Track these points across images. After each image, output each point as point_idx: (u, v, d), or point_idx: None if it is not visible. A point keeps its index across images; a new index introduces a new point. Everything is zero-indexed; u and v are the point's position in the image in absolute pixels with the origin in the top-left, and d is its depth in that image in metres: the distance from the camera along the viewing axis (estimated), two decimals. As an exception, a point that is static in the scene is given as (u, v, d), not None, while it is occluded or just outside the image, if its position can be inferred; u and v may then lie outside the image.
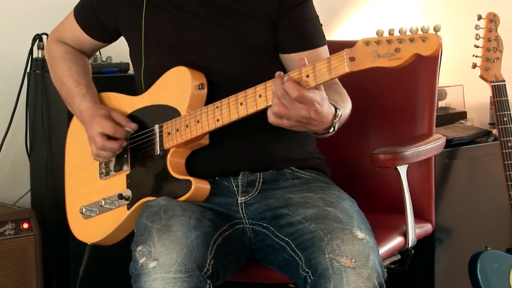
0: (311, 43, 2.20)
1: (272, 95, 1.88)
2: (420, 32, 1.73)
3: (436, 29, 1.71)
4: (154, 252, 1.90)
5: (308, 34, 2.21)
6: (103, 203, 2.27)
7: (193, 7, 2.20)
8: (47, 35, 3.10)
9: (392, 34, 1.75)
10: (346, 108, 2.07)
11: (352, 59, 1.80)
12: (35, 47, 3.15)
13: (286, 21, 2.19)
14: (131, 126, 2.23)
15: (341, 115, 1.96)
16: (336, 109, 1.94)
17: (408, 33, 1.74)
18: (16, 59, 3.19)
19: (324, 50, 2.21)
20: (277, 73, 1.88)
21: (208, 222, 2.04)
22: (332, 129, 1.95)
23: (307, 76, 1.86)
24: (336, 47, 2.19)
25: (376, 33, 1.77)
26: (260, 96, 1.95)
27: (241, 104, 1.99)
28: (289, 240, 2.04)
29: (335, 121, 1.94)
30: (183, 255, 1.89)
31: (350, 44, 1.81)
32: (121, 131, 2.22)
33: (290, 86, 1.84)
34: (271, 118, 1.89)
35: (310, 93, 1.84)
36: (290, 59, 2.18)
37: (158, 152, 2.18)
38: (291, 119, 1.87)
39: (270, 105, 1.90)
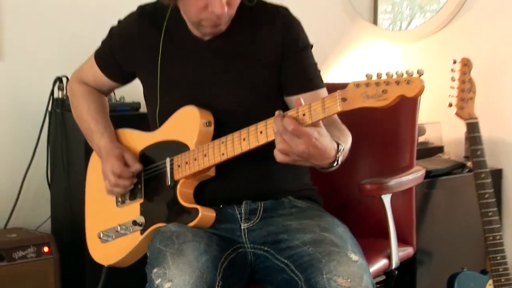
0: (312, 86, 2.21)
1: (275, 134, 1.89)
2: (405, 75, 1.74)
3: (420, 73, 1.73)
4: (169, 274, 1.90)
5: (309, 77, 2.22)
6: (119, 228, 2.28)
7: (204, 55, 2.21)
8: (66, 77, 3.14)
9: (380, 77, 1.77)
10: (347, 142, 2.08)
11: (344, 99, 1.80)
12: (55, 88, 3.18)
13: (288, 66, 2.21)
14: (136, 167, 2.25)
15: (343, 149, 1.97)
16: (338, 144, 1.95)
17: (394, 76, 1.74)
18: (39, 99, 3.22)
19: (323, 91, 2.22)
20: (277, 112, 1.89)
21: (216, 247, 2.04)
22: (336, 163, 1.96)
23: (304, 114, 1.87)
24: (328, 88, 2.22)
25: (366, 76, 1.78)
26: (261, 132, 1.96)
27: (244, 139, 2.00)
28: (288, 262, 2.04)
29: (338, 155, 1.95)
30: (195, 277, 1.89)
31: (341, 86, 1.83)
32: (127, 172, 2.24)
33: (287, 121, 1.85)
34: (278, 156, 1.89)
35: (306, 128, 1.84)
36: (293, 101, 2.15)
37: (169, 182, 2.18)
38: (293, 155, 1.87)
39: (270, 140, 1.91)
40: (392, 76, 1.75)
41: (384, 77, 1.76)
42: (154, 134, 2.28)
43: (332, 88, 2.21)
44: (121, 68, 2.38)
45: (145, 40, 2.28)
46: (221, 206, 2.19)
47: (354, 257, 1.94)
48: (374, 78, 1.78)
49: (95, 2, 3.44)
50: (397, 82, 1.74)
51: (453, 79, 2.87)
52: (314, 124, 1.87)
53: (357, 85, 1.79)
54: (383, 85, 1.75)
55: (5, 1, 3.20)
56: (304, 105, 1.88)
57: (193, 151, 2.12)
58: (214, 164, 2.08)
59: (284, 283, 2.04)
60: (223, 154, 2.05)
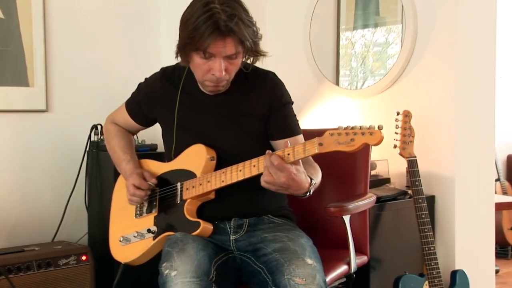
0: (291, 133, 2.21)
1: (264, 168, 1.93)
2: (368, 128, 1.79)
3: (380, 128, 1.79)
4: (174, 265, 1.94)
5: (289, 127, 2.22)
6: (136, 234, 2.27)
7: (210, 107, 2.23)
8: (100, 125, 3.15)
9: (349, 129, 1.82)
10: (318, 177, 2.11)
11: (320, 144, 1.85)
12: (92, 133, 3.19)
13: (274, 118, 2.21)
14: (152, 181, 2.26)
15: (315, 183, 2.02)
16: (311, 179, 1.99)
17: (360, 128, 1.80)
18: (79, 142, 3.23)
19: (300, 137, 2.23)
20: (267, 151, 1.94)
21: (211, 250, 2.07)
22: (308, 193, 2.00)
23: (288, 154, 1.91)
24: (303, 134, 2.24)
25: (338, 128, 1.83)
26: (254, 166, 2.00)
27: (240, 171, 2.03)
28: (263, 266, 2.06)
29: (310, 188, 1.99)
30: (195, 266, 1.92)
31: (313, 132, 1.87)
32: (144, 184, 2.24)
33: (273, 157, 1.90)
34: (263, 183, 1.93)
35: (287, 165, 1.89)
36: (277, 145, 2.21)
37: (179, 201, 2.19)
38: (276, 184, 1.91)
39: (261, 173, 1.94)
40: (359, 129, 1.80)
41: (352, 128, 1.81)
42: (169, 164, 2.29)
43: (305, 133, 2.25)
44: (145, 115, 2.38)
45: (165, 94, 2.28)
46: (215, 222, 2.18)
47: (309, 261, 1.96)
48: (345, 129, 1.82)
49: (123, 66, 3.47)
50: (363, 133, 1.79)
51: (397, 127, 2.89)
52: (295, 163, 1.91)
53: (331, 133, 1.83)
54: (352, 134, 1.81)
55: (54, 67, 3.22)
56: (289, 147, 1.91)
57: (199, 178, 2.14)
58: (215, 188, 2.10)
59: (260, 283, 2.06)
60: (222, 181, 2.07)
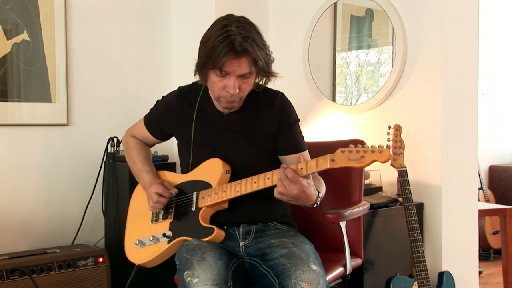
0: (298, 149, 2.22)
1: (278, 180, 1.94)
2: (377, 147, 1.83)
3: (388, 147, 1.83)
4: (196, 273, 1.92)
5: (296, 143, 2.23)
6: (151, 238, 2.26)
7: (225, 124, 2.23)
8: (117, 138, 3.15)
9: (360, 147, 1.84)
10: (323, 190, 2.13)
11: (332, 160, 1.87)
12: (109, 145, 3.19)
13: (283, 135, 2.22)
14: (174, 190, 2.26)
15: (321, 196, 2.05)
16: (318, 192, 2.02)
17: (370, 147, 1.83)
18: (97, 153, 3.23)
19: (306, 153, 2.25)
20: (282, 165, 1.96)
21: (226, 257, 2.06)
22: (316, 204, 2.03)
23: (301, 168, 1.93)
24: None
25: (349, 146, 1.86)
26: (268, 178, 2.01)
27: (255, 182, 2.04)
28: (269, 270, 2.06)
29: (317, 200, 2.01)
30: (215, 274, 1.92)
31: (313, 145, 1.88)
32: (166, 192, 2.24)
33: (288, 171, 1.92)
34: (276, 194, 1.96)
35: (300, 178, 1.91)
36: (285, 159, 2.22)
37: (194, 209, 2.19)
38: (288, 196, 1.93)
39: (274, 185, 1.97)
40: (369, 147, 1.83)
41: (362, 147, 1.85)
42: (186, 175, 2.29)
43: (307, 145, 2.25)
44: (163, 130, 2.39)
45: (181, 112, 2.29)
46: (225, 227, 2.18)
47: (314, 267, 1.97)
48: (355, 147, 1.85)
49: (136, 85, 3.48)
50: (372, 151, 1.82)
51: (388, 140, 2.88)
52: (306, 177, 1.93)
53: (343, 151, 1.86)
54: (362, 152, 1.83)
55: (74, 85, 3.23)
56: (303, 161, 1.94)
57: (214, 188, 2.15)
58: (230, 198, 2.11)
59: (267, 285, 2.06)
60: (237, 191, 2.08)
